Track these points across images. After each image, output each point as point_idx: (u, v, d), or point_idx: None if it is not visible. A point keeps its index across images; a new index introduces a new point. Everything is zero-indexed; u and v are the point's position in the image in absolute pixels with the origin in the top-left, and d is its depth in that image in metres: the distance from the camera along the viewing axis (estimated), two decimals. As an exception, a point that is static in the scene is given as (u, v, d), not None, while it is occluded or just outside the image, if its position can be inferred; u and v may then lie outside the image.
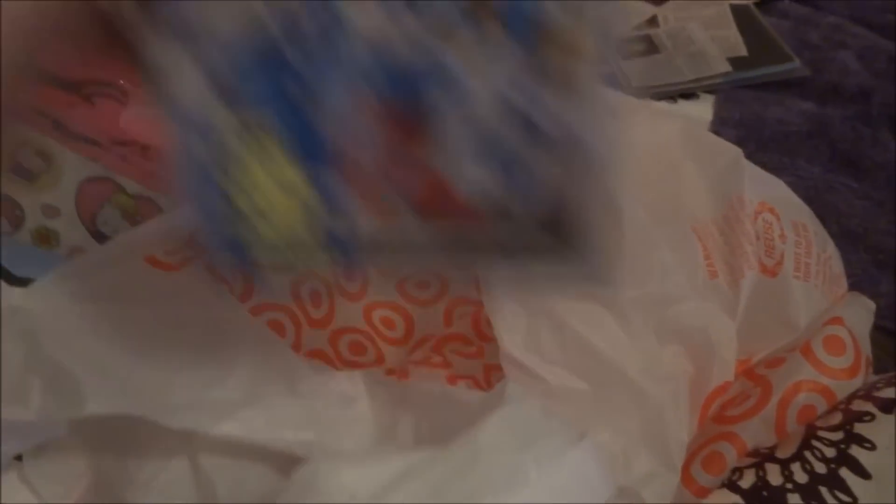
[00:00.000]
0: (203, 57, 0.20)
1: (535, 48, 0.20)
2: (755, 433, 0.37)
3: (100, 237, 0.41)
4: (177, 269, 0.37)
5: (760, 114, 0.59)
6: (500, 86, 0.20)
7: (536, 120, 0.20)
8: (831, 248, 0.46)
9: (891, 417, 0.36)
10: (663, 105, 0.62)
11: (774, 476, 0.36)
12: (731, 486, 0.36)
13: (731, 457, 0.36)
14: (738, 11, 0.71)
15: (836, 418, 0.38)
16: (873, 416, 0.36)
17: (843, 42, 0.67)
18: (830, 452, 0.36)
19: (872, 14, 0.70)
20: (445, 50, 0.20)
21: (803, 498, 0.34)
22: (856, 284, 0.47)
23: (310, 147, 0.21)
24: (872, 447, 0.35)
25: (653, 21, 0.68)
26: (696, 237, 0.40)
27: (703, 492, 0.36)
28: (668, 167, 0.42)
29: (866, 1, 0.71)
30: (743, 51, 0.65)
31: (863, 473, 0.35)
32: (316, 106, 0.21)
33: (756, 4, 0.73)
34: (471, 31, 0.20)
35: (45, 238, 0.44)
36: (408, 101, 0.21)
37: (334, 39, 0.20)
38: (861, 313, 0.42)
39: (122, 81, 0.45)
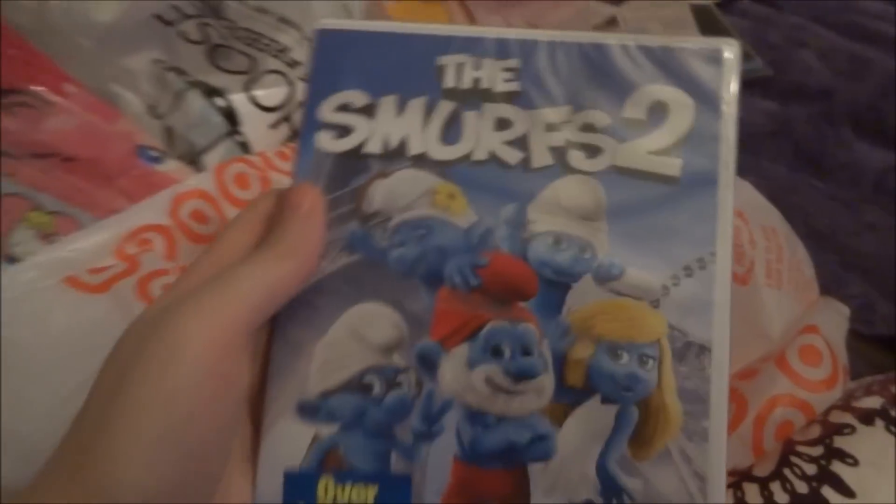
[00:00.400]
0: None
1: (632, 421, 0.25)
2: (731, 453, 0.35)
3: (11, 260, 0.37)
4: (102, 291, 0.33)
5: (723, 114, 0.58)
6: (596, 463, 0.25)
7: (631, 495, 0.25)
8: (801, 252, 0.45)
9: (872, 429, 0.35)
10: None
11: (753, 496, 0.34)
12: (708, 509, 0.34)
13: (707, 478, 0.34)
14: (698, 11, 0.70)
15: (815, 431, 0.36)
16: (853, 429, 0.35)
17: (804, 41, 0.67)
18: (811, 469, 0.34)
19: (832, 14, 0.70)
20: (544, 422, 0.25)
21: (785, 521, 0.33)
22: (825, 287, 0.46)
23: None
24: (854, 462, 0.34)
25: (612, 22, 0.67)
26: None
27: (678, 517, 0.34)
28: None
29: (826, 1, 0.70)
30: (703, 51, 0.64)
31: (846, 491, 0.33)
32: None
33: (716, 4, 0.72)
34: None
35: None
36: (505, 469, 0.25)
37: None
38: (835, 319, 0.41)
39: (42, 89, 0.41)
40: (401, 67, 0.28)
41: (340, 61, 0.28)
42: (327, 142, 0.28)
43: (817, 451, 0.35)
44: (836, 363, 0.39)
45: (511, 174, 0.27)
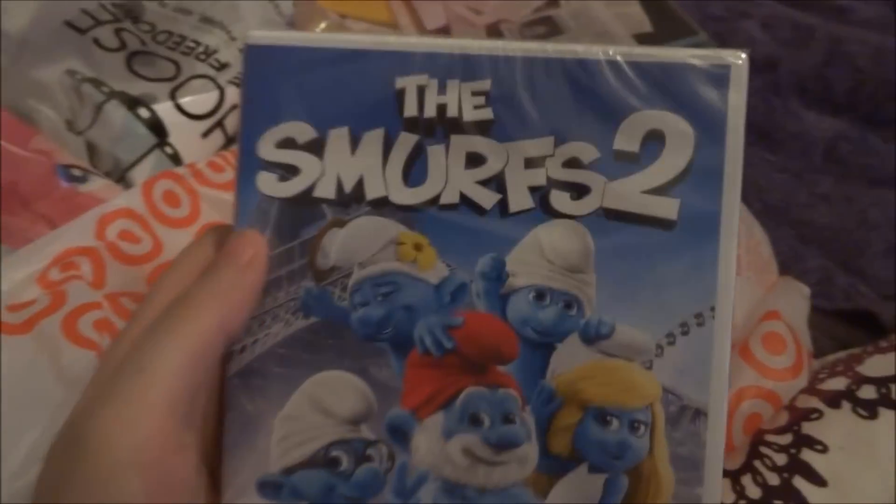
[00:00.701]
0: None
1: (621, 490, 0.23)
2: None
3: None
4: (25, 332, 0.30)
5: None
6: None
7: None
8: (759, 233, 0.43)
9: (839, 412, 0.34)
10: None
11: (725, 492, 0.34)
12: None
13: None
14: (642, -11, 0.64)
15: (783, 418, 0.35)
16: (821, 414, 0.34)
17: (746, 12, 0.63)
18: (781, 459, 0.34)
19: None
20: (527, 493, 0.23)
21: (757, 515, 0.32)
22: (783, 264, 0.44)
23: None
24: (824, 449, 0.33)
25: (553, 2, 0.63)
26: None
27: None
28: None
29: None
30: (648, 27, 0.61)
31: (818, 481, 0.33)
32: None
33: (658, -22, 0.67)
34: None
35: None
36: None
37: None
38: (796, 301, 0.40)
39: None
40: (352, 92, 0.24)
41: (278, 85, 0.24)
42: (270, 185, 0.24)
43: (786, 439, 0.34)
44: (801, 349, 0.37)
45: (486, 220, 0.23)
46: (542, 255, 0.23)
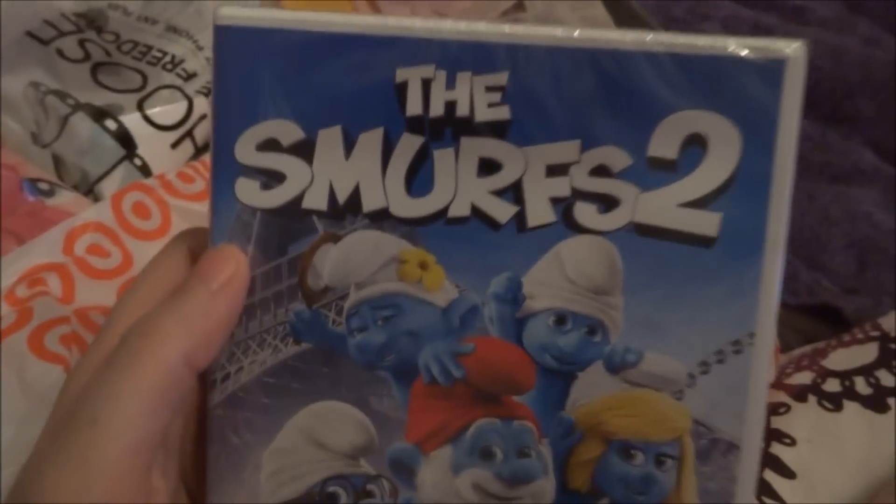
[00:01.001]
0: None
1: None
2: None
3: None
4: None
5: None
6: None
7: None
8: None
9: (806, 406, 0.34)
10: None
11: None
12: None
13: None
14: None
15: None
16: (788, 408, 0.34)
17: (707, 14, 0.62)
18: None
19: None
20: None
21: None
22: None
23: None
24: (792, 442, 0.33)
25: (519, 6, 0.61)
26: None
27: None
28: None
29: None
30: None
31: (787, 473, 0.33)
32: None
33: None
34: None
35: None
36: None
37: None
38: None
39: None
40: (345, 85, 0.20)
41: (256, 75, 0.20)
42: (251, 193, 0.21)
43: None
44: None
45: (501, 235, 0.21)
46: (564, 274, 0.21)
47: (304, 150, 0.20)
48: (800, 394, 0.34)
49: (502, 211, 0.20)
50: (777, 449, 0.33)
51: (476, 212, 0.21)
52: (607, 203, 0.20)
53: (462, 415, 0.21)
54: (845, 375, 0.35)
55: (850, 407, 0.34)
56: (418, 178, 0.20)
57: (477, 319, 0.21)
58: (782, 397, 0.34)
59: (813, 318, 0.43)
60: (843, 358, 0.36)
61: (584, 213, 0.20)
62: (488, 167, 0.20)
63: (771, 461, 0.32)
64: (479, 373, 0.21)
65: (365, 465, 0.21)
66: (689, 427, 0.21)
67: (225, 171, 0.20)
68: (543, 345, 0.21)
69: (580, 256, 0.21)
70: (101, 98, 0.41)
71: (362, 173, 0.20)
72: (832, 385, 0.34)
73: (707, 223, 0.20)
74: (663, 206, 0.20)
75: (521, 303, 0.21)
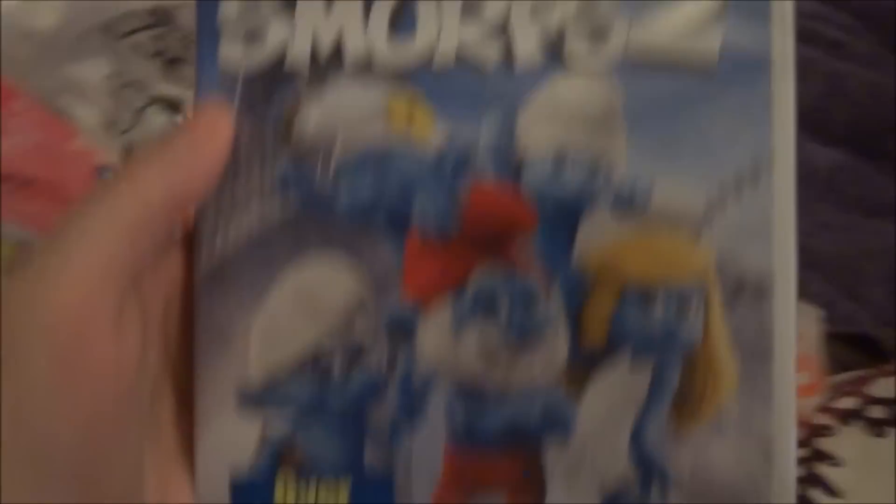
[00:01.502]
0: None
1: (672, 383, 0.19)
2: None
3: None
4: None
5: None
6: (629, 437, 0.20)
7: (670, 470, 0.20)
8: None
9: (851, 430, 0.35)
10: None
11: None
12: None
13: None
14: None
15: (800, 433, 0.33)
16: (834, 430, 0.35)
17: None
18: (799, 471, 0.33)
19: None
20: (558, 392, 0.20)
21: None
22: None
23: None
24: (838, 463, 0.33)
25: None
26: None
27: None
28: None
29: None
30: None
31: (834, 492, 0.33)
32: None
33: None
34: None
35: None
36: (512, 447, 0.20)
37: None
38: (811, 323, 0.40)
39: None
40: None
41: None
42: (234, 53, 0.20)
43: (803, 452, 0.34)
44: (818, 369, 0.38)
45: (490, 77, 0.20)
46: (559, 113, 0.20)
47: (286, 3, 0.20)
48: (845, 418, 0.35)
49: (490, 52, 0.20)
50: (822, 469, 0.33)
51: (462, 55, 0.20)
52: (599, 34, 0.20)
53: (461, 267, 0.20)
54: (890, 403, 0.35)
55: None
56: (401, 22, 0.20)
57: (470, 165, 0.20)
58: (828, 420, 0.35)
59: (850, 347, 0.42)
60: (887, 386, 0.36)
61: (576, 47, 0.20)
62: (472, 7, 0.20)
63: (818, 481, 0.33)
64: (475, 220, 0.20)
65: (359, 328, 0.20)
66: (712, 266, 0.19)
67: (208, 35, 0.20)
68: (543, 187, 0.20)
69: (575, 92, 0.20)
70: (173, 92, 0.43)
71: (344, 21, 0.20)
72: (877, 412, 0.35)
73: (706, 47, 0.19)
74: (658, 32, 0.20)
75: (515, 145, 0.20)
